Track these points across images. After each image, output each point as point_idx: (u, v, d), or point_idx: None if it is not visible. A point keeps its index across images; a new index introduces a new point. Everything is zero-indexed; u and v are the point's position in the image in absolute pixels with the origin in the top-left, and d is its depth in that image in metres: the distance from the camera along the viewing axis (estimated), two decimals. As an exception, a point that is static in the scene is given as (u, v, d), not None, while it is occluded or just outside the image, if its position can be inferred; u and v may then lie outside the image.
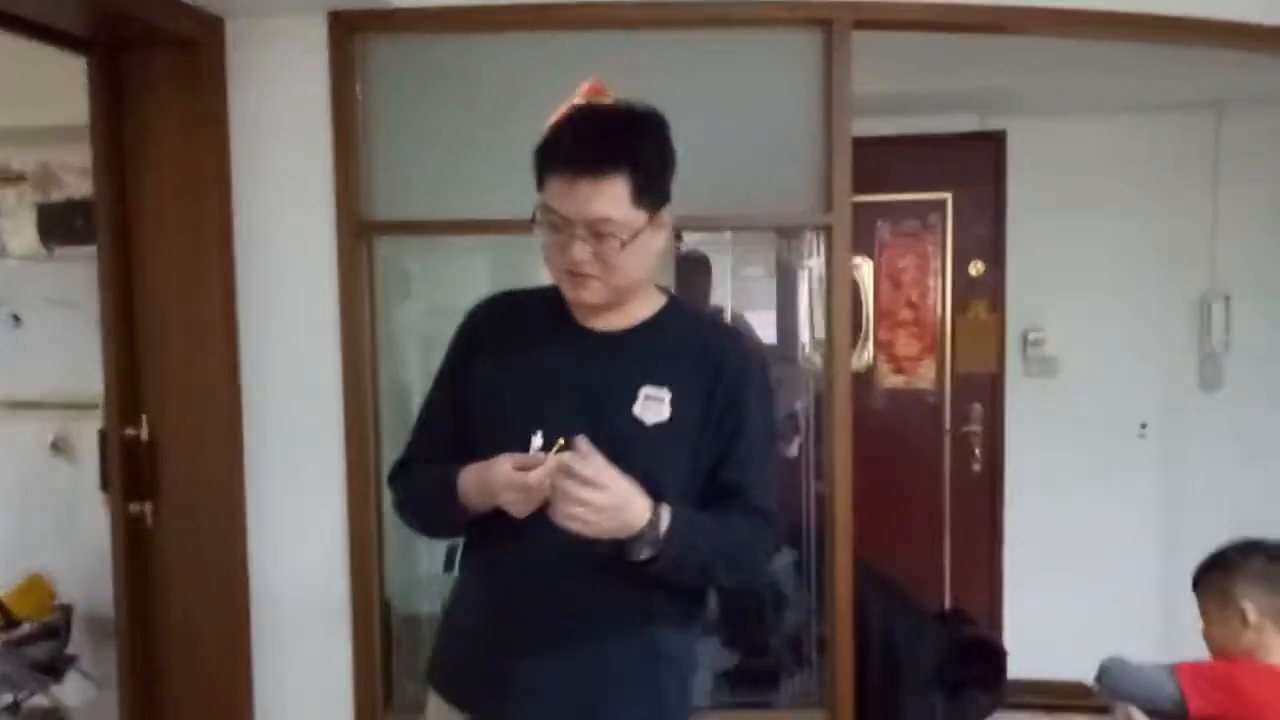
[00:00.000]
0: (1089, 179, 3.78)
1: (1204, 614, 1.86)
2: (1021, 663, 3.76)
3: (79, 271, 3.53)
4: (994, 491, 3.85)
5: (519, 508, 1.29)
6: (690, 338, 1.42)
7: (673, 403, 1.36)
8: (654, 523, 1.26)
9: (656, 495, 1.29)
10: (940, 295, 3.85)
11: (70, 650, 3.41)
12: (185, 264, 2.18)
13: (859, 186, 2.30)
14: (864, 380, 3.79)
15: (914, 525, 3.80)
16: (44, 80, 2.66)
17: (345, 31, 2.18)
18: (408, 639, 2.38)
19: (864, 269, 3.81)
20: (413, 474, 1.47)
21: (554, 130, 1.34)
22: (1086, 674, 3.54)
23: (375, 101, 2.23)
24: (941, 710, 2.60)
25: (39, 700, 3.36)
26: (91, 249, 3.49)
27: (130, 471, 2.19)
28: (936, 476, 3.84)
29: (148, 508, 2.21)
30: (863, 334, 3.79)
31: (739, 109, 2.26)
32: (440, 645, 1.51)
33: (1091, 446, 3.85)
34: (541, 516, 1.26)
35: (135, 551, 2.22)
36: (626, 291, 1.37)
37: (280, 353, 2.25)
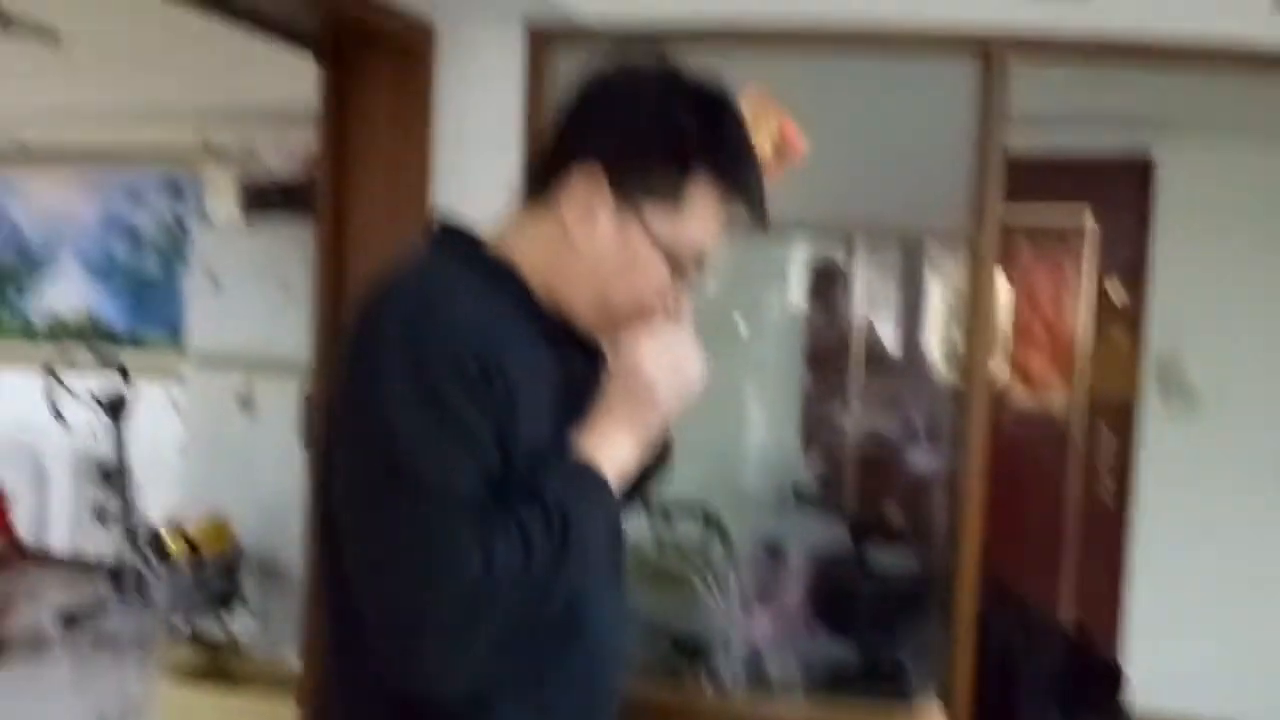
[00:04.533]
0: (1239, 210, 3.73)
1: None
2: (1140, 699, 3.75)
3: (274, 243, 3.91)
4: (1121, 522, 3.84)
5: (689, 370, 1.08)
6: None
7: None
8: None
9: None
10: (1077, 317, 3.87)
11: (240, 589, 3.78)
12: (387, 243, 2.43)
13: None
14: (993, 400, 3.84)
15: (1036, 547, 3.84)
16: (252, 63, 2.91)
17: (539, 43, 2.41)
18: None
19: (1000, 285, 3.86)
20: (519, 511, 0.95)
21: (742, 147, 1.09)
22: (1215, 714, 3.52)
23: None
24: (1056, 723, 2.68)
25: (212, 629, 3.75)
26: (285, 223, 3.89)
27: (326, 428, 2.46)
28: (1061, 502, 3.86)
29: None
30: (996, 352, 3.85)
31: (902, 128, 2.40)
32: None
33: (1232, 485, 3.78)
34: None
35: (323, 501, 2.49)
36: None
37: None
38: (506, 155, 2.42)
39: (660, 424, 1.08)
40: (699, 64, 2.25)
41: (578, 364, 1.10)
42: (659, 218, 1.04)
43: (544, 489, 0.96)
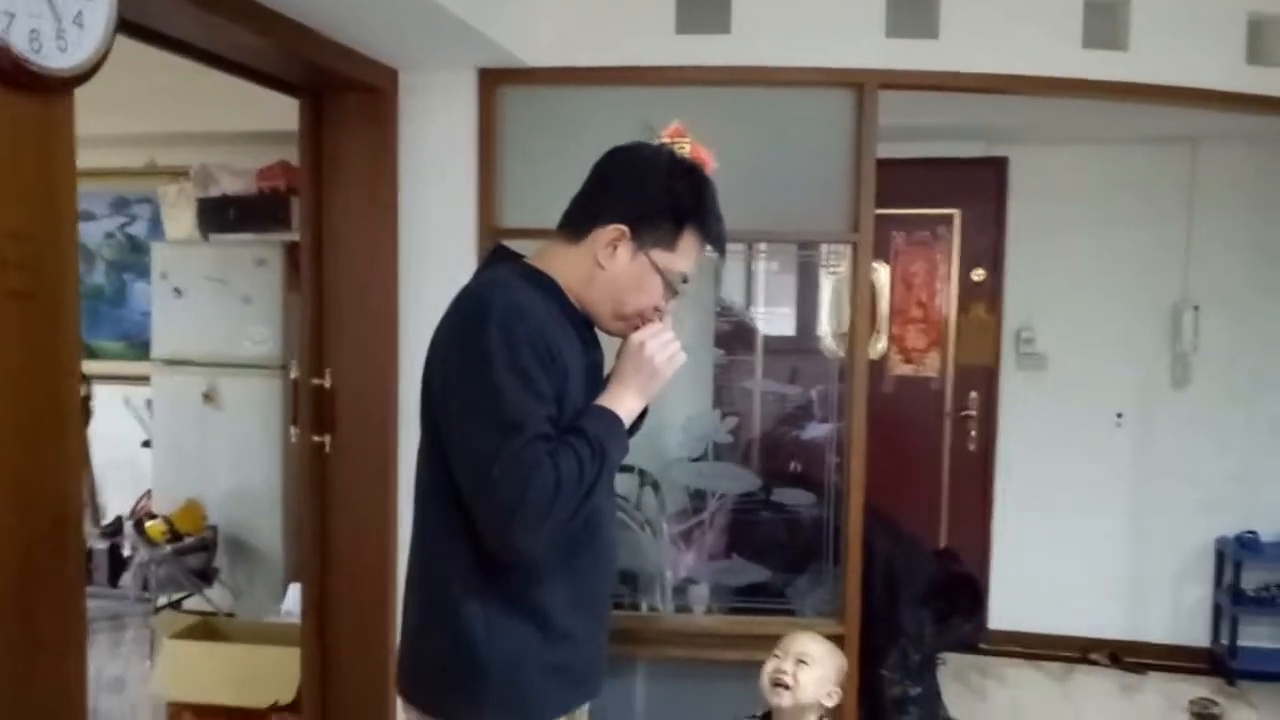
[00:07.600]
0: (1078, 201, 4.42)
1: None
2: (1006, 616, 4.45)
3: (229, 255, 4.27)
4: (986, 466, 4.52)
5: (677, 355, 1.61)
6: None
7: None
8: None
9: None
10: (946, 297, 4.51)
11: (215, 564, 4.14)
12: (362, 255, 2.87)
13: (880, 201, 2.90)
14: (877, 368, 4.47)
15: (918, 491, 4.48)
16: (205, 94, 3.25)
17: (490, 84, 2.87)
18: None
19: (881, 273, 4.47)
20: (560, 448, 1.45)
21: (714, 209, 1.62)
22: (1063, 627, 4.27)
23: (508, 135, 2.92)
24: (930, 628, 3.27)
25: (195, 602, 4.10)
26: (240, 236, 4.25)
27: (316, 411, 2.89)
28: (937, 451, 4.52)
29: (327, 439, 2.90)
30: (877, 328, 4.46)
31: (790, 150, 2.92)
32: (554, 659, 1.57)
33: (1074, 431, 4.50)
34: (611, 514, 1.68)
35: (316, 472, 2.92)
36: None
37: (430, 323, 2.91)
38: (464, 175, 2.89)
39: (658, 388, 1.60)
40: (622, 98, 2.68)
41: (594, 350, 1.64)
42: (660, 255, 1.57)
43: (586, 428, 1.48)
